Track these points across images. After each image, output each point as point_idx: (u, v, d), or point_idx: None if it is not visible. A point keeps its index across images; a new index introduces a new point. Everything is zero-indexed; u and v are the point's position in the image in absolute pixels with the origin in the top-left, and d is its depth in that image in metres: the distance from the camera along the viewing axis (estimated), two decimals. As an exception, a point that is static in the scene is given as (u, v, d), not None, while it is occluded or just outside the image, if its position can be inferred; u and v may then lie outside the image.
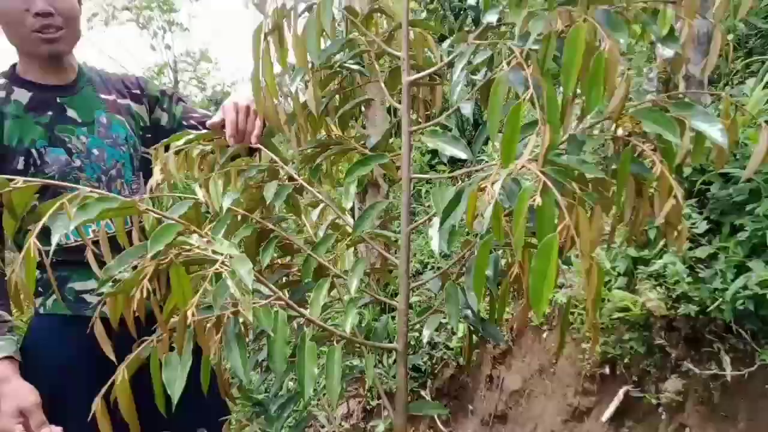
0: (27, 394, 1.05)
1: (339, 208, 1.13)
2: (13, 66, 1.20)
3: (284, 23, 1.04)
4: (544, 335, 2.03)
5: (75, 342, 1.10)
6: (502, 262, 0.97)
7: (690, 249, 1.46)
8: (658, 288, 1.46)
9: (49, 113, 1.19)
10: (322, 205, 1.18)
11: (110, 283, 0.74)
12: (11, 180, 0.72)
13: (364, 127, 2.26)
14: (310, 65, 1.04)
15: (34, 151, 1.16)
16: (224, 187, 1.03)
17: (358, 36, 1.09)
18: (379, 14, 1.14)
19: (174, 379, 0.73)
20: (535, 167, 0.71)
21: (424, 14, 3.85)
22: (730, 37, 2.62)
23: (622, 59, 0.74)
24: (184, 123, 1.34)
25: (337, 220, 1.15)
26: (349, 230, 1.07)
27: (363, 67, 1.13)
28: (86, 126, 1.22)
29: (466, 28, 3.73)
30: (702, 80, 1.73)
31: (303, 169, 1.16)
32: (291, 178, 1.08)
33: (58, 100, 1.20)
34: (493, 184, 0.71)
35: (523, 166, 0.72)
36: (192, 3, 6.53)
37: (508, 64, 0.77)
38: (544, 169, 0.70)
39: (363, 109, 1.30)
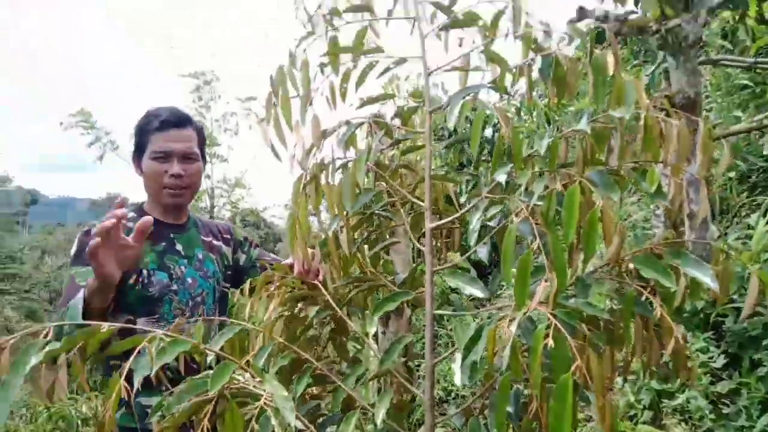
0: None
1: (363, 334, 1.21)
2: (142, 204, 1.52)
3: (321, 175, 1.21)
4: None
5: None
6: (525, 392, 1.01)
7: (711, 383, 1.47)
8: (683, 424, 1.45)
9: (162, 244, 1.46)
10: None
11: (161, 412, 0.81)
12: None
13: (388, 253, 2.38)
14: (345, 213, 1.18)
15: (145, 271, 1.39)
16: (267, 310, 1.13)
17: (386, 187, 1.24)
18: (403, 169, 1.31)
19: None
20: (546, 309, 0.79)
21: (442, 146, 4.17)
22: (732, 174, 2.79)
23: (614, 213, 0.85)
24: (257, 264, 1.63)
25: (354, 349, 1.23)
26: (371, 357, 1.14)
27: (390, 213, 1.28)
28: (187, 258, 1.48)
29: (483, 158, 4.01)
30: (705, 218, 1.84)
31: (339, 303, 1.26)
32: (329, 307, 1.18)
33: (170, 235, 1.48)
34: (509, 324, 0.79)
35: (535, 308, 0.81)
36: (232, 137, 7.06)
37: (517, 216, 0.90)
38: (554, 312, 0.79)
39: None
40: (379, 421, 1.02)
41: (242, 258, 1.63)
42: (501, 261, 0.85)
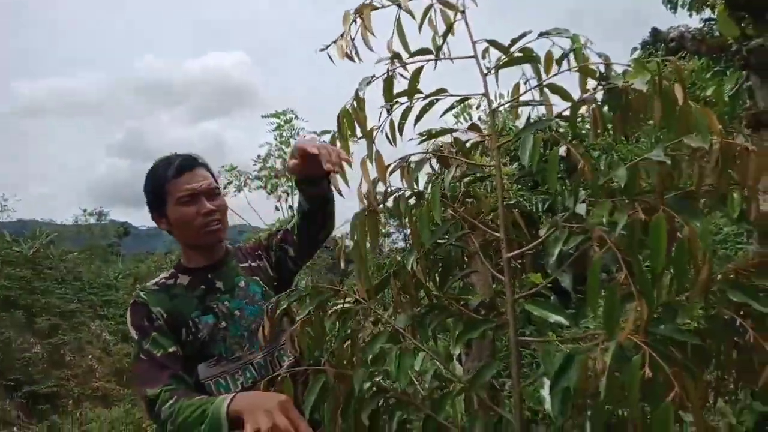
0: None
1: (446, 357, 1.26)
2: (178, 261, 1.54)
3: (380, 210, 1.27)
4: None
5: None
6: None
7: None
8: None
9: (202, 287, 1.46)
10: (422, 354, 1.30)
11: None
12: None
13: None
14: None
15: (190, 321, 1.41)
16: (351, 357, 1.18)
17: (457, 217, 1.29)
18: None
19: None
20: (637, 338, 0.82)
21: (515, 166, 4.20)
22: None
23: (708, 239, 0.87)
24: (278, 251, 1.59)
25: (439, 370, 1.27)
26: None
27: (461, 243, 1.32)
28: (228, 293, 1.47)
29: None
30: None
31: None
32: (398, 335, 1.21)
33: (208, 276, 1.48)
34: (602, 353, 0.83)
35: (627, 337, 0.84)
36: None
37: (599, 246, 0.93)
38: (646, 340, 0.81)
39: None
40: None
41: (274, 257, 1.61)
42: (587, 290, 0.88)
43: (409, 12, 1.20)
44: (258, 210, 7.47)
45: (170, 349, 1.34)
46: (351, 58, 1.24)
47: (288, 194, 7.28)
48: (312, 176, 1.43)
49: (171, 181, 1.42)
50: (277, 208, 7.43)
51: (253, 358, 1.44)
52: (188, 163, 1.45)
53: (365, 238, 1.24)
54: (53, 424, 7.14)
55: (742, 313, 0.90)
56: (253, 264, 1.57)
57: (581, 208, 0.98)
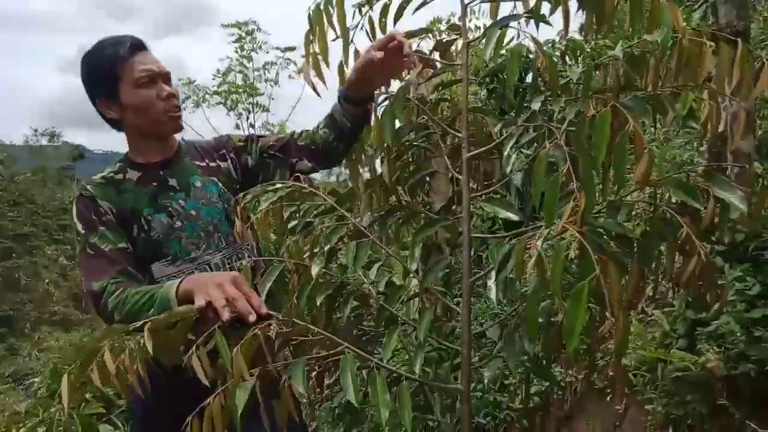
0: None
1: (403, 268, 1.30)
2: (126, 155, 1.41)
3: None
4: (608, 398, 2.04)
5: None
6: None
7: (746, 311, 1.50)
8: (716, 348, 1.50)
9: (154, 184, 1.37)
10: (377, 264, 1.34)
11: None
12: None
13: (428, 195, 2.47)
14: (385, 144, 1.24)
15: (142, 218, 1.33)
16: (311, 250, 1.21)
17: (426, 120, 1.29)
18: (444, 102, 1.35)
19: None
20: (574, 227, 0.85)
21: (484, 93, 4.12)
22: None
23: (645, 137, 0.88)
24: (265, 156, 1.49)
25: (393, 278, 1.31)
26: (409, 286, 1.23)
27: (430, 144, 1.33)
28: (183, 191, 1.39)
29: (525, 104, 3.95)
30: (749, 153, 1.80)
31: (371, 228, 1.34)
32: (361, 234, 1.24)
33: (161, 173, 1.38)
34: (537, 240, 0.86)
35: (564, 228, 0.86)
36: (273, 87, 7.12)
37: (551, 142, 0.94)
38: (581, 230, 0.84)
39: (429, 179, 1.50)
40: (421, 336, 1.11)
41: (249, 160, 1.50)
42: (532, 183, 0.90)
43: None
44: (218, 128, 7.23)
45: (119, 245, 1.29)
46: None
47: (250, 111, 6.96)
48: (370, 92, 1.33)
49: (125, 62, 1.29)
50: (237, 126, 7.04)
51: (211, 258, 1.39)
52: (141, 43, 1.34)
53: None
54: (10, 346, 7.32)
55: (682, 214, 0.92)
56: (212, 164, 1.47)
57: (536, 104, 0.98)
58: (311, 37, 1.30)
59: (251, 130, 7.28)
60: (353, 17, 1.30)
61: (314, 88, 1.36)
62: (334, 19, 1.26)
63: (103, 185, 1.35)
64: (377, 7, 1.30)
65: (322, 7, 1.24)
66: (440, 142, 1.27)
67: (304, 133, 1.50)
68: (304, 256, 1.20)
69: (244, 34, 7.03)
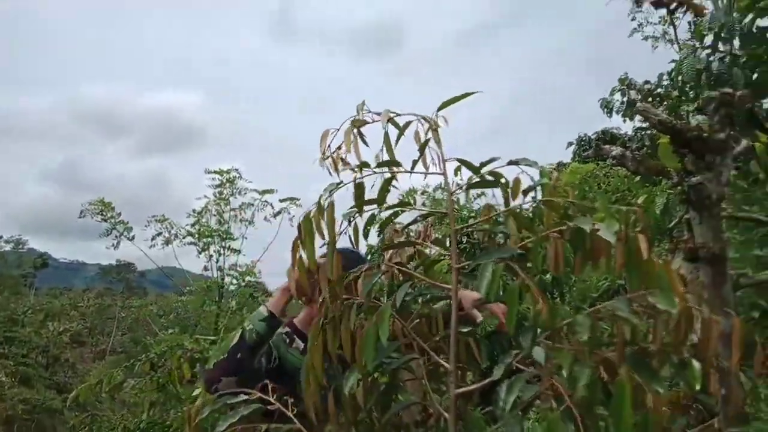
0: None
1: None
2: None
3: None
4: None
5: None
6: None
7: None
8: None
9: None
10: None
11: None
12: None
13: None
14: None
15: None
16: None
17: (408, 339, 1.21)
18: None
19: None
20: None
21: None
22: (756, 314, 2.72)
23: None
24: None
25: None
26: None
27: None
28: None
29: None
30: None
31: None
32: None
33: None
34: None
35: None
36: (246, 227, 7.09)
37: (556, 401, 0.85)
38: None
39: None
40: None
41: None
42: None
43: (396, 125, 1.18)
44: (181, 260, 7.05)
45: None
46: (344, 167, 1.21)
47: (220, 254, 6.85)
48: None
49: None
50: (206, 269, 6.90)
51: None
52: None
53: (320, 349, 1.16)
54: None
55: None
56: None
57: (539, 354, 0.91)
58: (299, 243, 1.26)
59: (218, 273, 7.09)
60: (341, 225, 1.29)
61: (299, 290, 1.31)
62: (324, 228, 1.23)
63: None
64: (364, 216, 1.29)
65: (312, 215, 1.21)
66: (422, 367, 1.17)
67: None
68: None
69: (225, 181, 7.16)
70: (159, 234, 7.03)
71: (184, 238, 6.85)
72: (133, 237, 6.82)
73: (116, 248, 6.85)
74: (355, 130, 1.18)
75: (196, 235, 6.79)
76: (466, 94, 1.16)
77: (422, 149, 1.17)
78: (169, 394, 4.59)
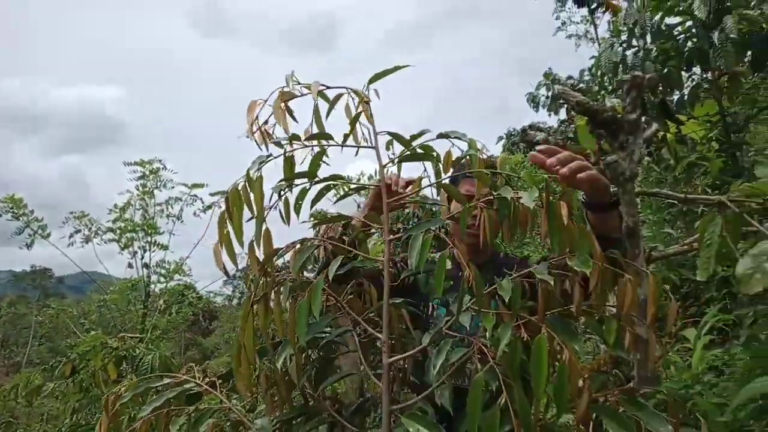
0: None
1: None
2: None
3: (272, 294, 1.17)
4: None
5: None
6: None
7: None
8: None
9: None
10: None
11: None
12: None
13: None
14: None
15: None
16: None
17: (341, 312, 1.21)
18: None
19: None
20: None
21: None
22: (667, 287, 2.95)
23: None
24: None
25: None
26: None
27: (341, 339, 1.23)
28: None
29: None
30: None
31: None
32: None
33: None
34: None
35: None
36: (174, 223, 6.76)
37: (481, 362, 0.88)
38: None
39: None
40: None
41: None
42: (468, 410, 0.82)
43: (326, 98, 1.17)
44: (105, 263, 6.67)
45: None
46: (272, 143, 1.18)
47: (146, 250, 6.47)
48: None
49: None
50: (131, 265, 6.48)
51: None
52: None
53: (251, 328, 1.13)
54: None
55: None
56: None
57: (465, 319, 0.93)
58: (226, 217, 1.22)
59: (144, 270, 6.74)
60: (270, 199, 1.26)
61: (224, 269, 1.27)
62: (252, 202, 1.20)
63: None
64: (295, 191, 1.27)
65: (240, 188, 1.18)
66: (356, 338, 1.18)
67: None
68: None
69: (147, 172, 6.77)
70: (78, 231, 6.59)
71: (104, 234, 6.44)
72: (49, 234, 6.34)
73: (30, 248, 6.35)
74: (283, 104, 1.16)
75: (118, 231, 6.40)
76: (397, 68, 1.17)
77: (353, 123, 1.16)
78: (94, 397, 4.36)
